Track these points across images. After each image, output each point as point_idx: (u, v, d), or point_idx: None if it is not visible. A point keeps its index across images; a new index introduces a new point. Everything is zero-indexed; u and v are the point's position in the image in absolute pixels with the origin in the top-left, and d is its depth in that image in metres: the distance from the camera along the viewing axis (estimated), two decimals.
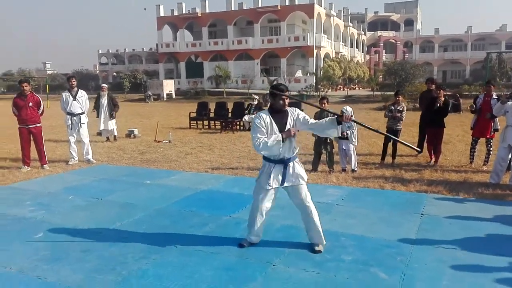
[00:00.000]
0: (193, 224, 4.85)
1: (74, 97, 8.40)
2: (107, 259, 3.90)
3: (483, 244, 4.24)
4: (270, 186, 3.95)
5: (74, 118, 8.40)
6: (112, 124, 11.74)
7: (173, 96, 39.64)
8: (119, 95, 43.22)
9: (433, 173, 7.53)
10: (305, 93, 34.63)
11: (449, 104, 8.24)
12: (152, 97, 37.11)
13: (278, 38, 44.64)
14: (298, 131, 4.03)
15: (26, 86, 7.73)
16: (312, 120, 3.99)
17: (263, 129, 3.84)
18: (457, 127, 13.89)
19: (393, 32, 65.87)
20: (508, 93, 7.05)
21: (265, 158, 4.02)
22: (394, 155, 8.37)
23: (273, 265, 3.78)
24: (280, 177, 3.96)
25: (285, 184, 3.98)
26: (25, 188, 6.59)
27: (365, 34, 65.53)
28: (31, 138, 7.97)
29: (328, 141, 7.50)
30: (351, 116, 3.94)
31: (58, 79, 63.73)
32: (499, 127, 7.88)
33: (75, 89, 8.50)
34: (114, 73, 68.68)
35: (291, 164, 3.98)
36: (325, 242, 4.10)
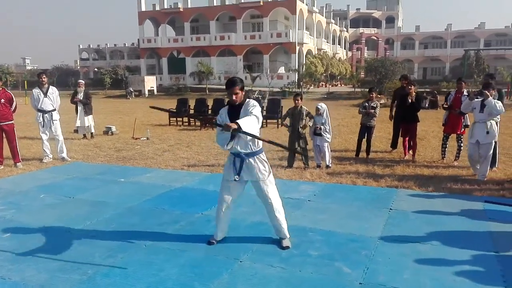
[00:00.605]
0: (163, 222, 4.86)
1: (45, 94, 8.27)
2: (74, 258, 3.88)
3: (446, 238, 4.35)
4: (230, 177, 4.06)
5: (46, 115, 8.27)
6: (89, 121, 11.59)
7: (155, 92, 39.35)
8: (99, 92, 42.88)
9: (405, 168, 7.68)
10: (287, 89, 34.73)
11: (421, 99, 8.40)
12: (133, 93, 36.76)
13: (260, 34, 44.67)
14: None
15: None
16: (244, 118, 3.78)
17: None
18: (433, 124, 14.13)
19: (375, 29, 66.54)
20: (476, 90, 7.21)
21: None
22: (368, 150, 8.50)
23: (240, 262, 3.82)
24: (237, 171, 4.01)
25: (244, 179, 4.04)
26: None
27: (347, 31, 66.02)
28: (4, 135, 7.83)
29: (302, 137, 7.56)
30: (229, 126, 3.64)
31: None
32: (469, 123, 8.06)
33: (46, 85, 8.37)
34: (96, 69, 67.75)
35: (249, 160, 3.98)
36: (288, 236, 4.19)
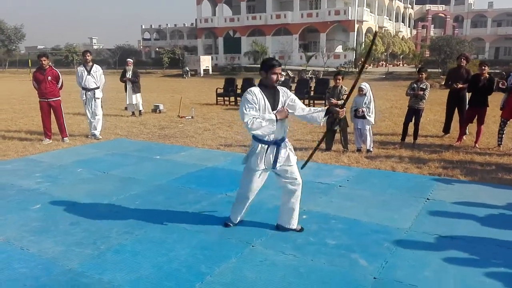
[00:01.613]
0: (186, 201, 4.83)
1: (89, 72, 8.52)
2: (91, 233, 3.96)
3: (483, 234, 3.94)
4: (261, 168, 3.78)
5: (89, 93, 8.54)
6: (137, 99, 11.89)
7: (210, 72, 39.78)
8: (158, 71, 44.16)
9: (454, 155, 7.11)
10: (343, 69, 33.65)
11: (494, 82, 7.64)
12: (189, 72, 37.41)
13: (318, 12, 43.42)
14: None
15: (44, 61, 7.92)
16: (299, 106, 3.81)
17: (255, 105, 3.59)
18: (496, 107, 12.92)
19: (443, 6, 62.17)
20: None
21: (256, 138, 3.79)
22: (415, 135, 7.95)
23: (252, 246, 3.70)
24: (271, 159, 3.75)
25: (277, 166, 3.78)
26: (40, 160, 6.83)
27: (412, 8, 62.26)
28: (52, 111, 8.21)
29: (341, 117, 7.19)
30: (341, 113, 3.73)
31: (103, 54, 65.59)
32: None
33: (90, 63, 8.60)
34: (157, 49, 69.74)
35: (283, 145, 3.80)
36: (297, 227, 4.02)
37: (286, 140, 3.88)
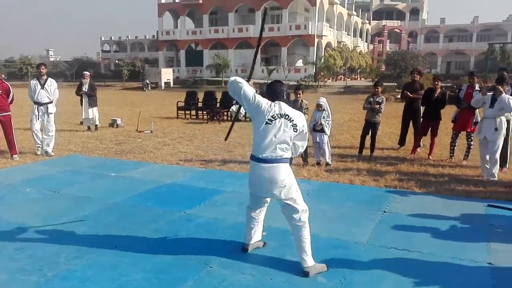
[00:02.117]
0: (142, 221, 4.66)
1: (42, 86, 8.16)
2: (38, 259, 3.72)
3: (438, 246, 4.02)
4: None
5: (41, 107, 8.16)
6: (93, 113, 11.52)
7: (171, 84, 39.37)
8: (117, 83, 43.24)
9: (409, 167, 7.30)
10: (303, 83, 34.18)
11: (446, 96, 7.97)
12: (149, 85, 36.88)
13: (279, 27, 44.04)
14: None
15: None
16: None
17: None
18: (448, 120, 13.52)
19: (398, 21, 64.82)
20: (489, 84, 6.78)
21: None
22: (372, 148, 8.12)
23: (210, 267, 3.59)
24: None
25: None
26: None
27: (369, 23, 64.52)
28: (0, 126, 7.78)
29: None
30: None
31: (60, 66, 63.59)
32: (479, 121, 7.60)
33: (44, 77, 8.25)
34: (117, 61, 68.39)
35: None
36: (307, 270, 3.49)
37: None
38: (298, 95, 7.34)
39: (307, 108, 7.26)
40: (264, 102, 3.39)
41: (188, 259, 3.74)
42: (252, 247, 3.89)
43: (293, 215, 3.50)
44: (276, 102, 3.41)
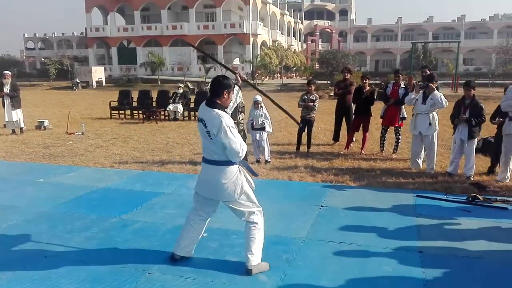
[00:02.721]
0: (73, 229, 4.41)
1: None
2: None
3: (372, 237, 4.21)
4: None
5: None
6: (17, 115, 10.73)
7: (104, 83, 37.73)
8: (44, 83, 40.66)
9: (343, 162, 7.59)
10: None
11: (375, 93, 8.37)
12: (80, 84, 35.09)
13: (214, 25, 43.86)
14: None
15: None
16: None
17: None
18: (378, 116, 14.27)
19: (329, 21, 67.27)
20: (420, 82, 7.20)
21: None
22: (309, 144, 8.34)
23: (149, 273, 3.48)
24: None
25: None
26: None
27: (302, 23, 66.30)
28: None
29: (240, 130, 7.26)
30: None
31: None
32: (406, 116, 8.08)
33: None
34: (42, 59, 64.22)
35: None
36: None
37: None
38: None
39: (243, 106, 7.29)
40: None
41: (125, 266, 3.59)
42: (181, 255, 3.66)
43: (241, 217, 3.50)
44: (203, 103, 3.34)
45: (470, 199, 5.23)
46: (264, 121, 7.32)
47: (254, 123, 7.37)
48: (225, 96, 3.26)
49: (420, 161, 7.07)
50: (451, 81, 29.55)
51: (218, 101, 3.25)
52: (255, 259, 3.44)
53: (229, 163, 3.29)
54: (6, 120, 10.76)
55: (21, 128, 10.95)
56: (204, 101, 3.33)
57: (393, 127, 8.15)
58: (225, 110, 3.30)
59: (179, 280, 3.36)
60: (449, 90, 26.00)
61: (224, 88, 3.25)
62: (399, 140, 8.16)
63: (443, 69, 44.77)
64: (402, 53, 60.15)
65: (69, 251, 3.89)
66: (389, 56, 63.39)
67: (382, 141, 8.31)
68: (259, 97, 7.46)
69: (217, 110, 3.20)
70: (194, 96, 15.10)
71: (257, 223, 3.47)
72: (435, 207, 5.09)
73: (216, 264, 3.64)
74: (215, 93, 3.26)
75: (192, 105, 14.23)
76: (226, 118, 3.18)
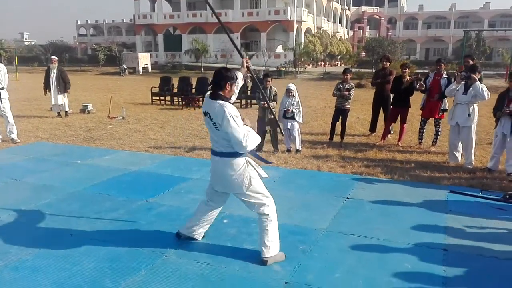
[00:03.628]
0: (101, 209, 4.58)
1: None
2: None
3: (396, 232, 4.07)
4: None
5: None
6: (62, 99, 11.23)
7: (149, 69, 38.73)
8: (94, 68, 42.30)
9: (377, 153, 7.37)
10: (283, 69, 34.11)
11: (414, 83, 8.04)
12: (127, 70, 36.20)
13: (258, 11, 43.67)
14: None
15: None
16: None
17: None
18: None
19: (378, 7, 65.01)
20: (463, 73, 6.82)
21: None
22: (342, 134, 8.15)
23: (166, 256, 3.55)
24: None
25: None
26: None
27: (349, 9, 64.48)
28: None
29: (272, 118, 7.21)
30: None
31: (35, 51, 61.84)
32: (447, 108, 7.70)
33: None
34: (94, 45, 66.86)
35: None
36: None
37: None
38: (267, 82, 7.27)
39: (276, 94, 7.23)
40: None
41: (144, 248, 3.69)
42: (185, 236, 3.80)
43: (252, 209, 3.49)
44: (206, 96, 3.36)
45: (508, 197, 4.93)
46: (295, 110, 7.21)
47: (286, 112, 7.28)
48: (227, 88, 3.26)
49: (458, 155, 6.74)
50: (505, 72, 27.83)
51: (221, 93, 3.25)
52: (270, 250, 3.41)
53: (236, 154, 3.27)
54: (53, 103, 11.30)
55: (66, 112, 11.46)
56: (208, 94, 3.35)
57: (433, 118, 7.79)
58: (229, 101, 3.29)
59: (193, 265, 3.40)
60: (502, 81, 24.50)
61: (226, 80, 3.24)
62: (439, 133, 7.80)
63: (498, 59, 42.25)
64: (455, 41, 57.26)
65: (94, 230, 4.05)
66: (441, 44, 60.53)
67: (421, 133, 7.99)
68: (291, 86, 7.36)
69: (220, 101, 3.19)
70: None
71: (268, 214, 3.44)
72: (468, 204, 4.84)
73: (232, 251, 3.65)
74: (218, 85, 3.26)
75: None
76: (229, 108, 3.16)
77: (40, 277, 3.19)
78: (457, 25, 59.92)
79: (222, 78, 3.24)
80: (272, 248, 3.42)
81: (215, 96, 3.26)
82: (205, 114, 3.29)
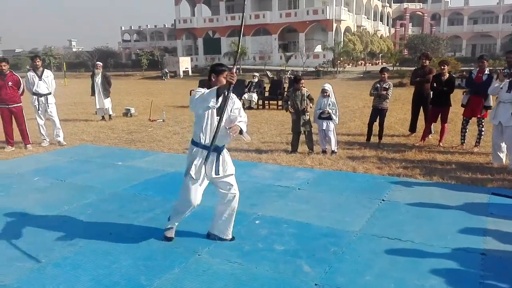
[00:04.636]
0: (139, 209, 4.75)
1: (40, 77, 8.31)
2: (35, 245, 3.85)
3: (432, 235, 3.95)
4: (201, 177, 3.65)
5: (41, 98, 8.31)
6: (107, 103, 11.71)
7: (190, 73, 39.54)
8: (137, 73, 43.69)
9: (417, 154, 7.17)
10: (321, 69, 33.79)
11: (454, 81, 7.78)
12: (168, 74, 37.12)
13: (296, 12, 43.53)
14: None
15: (4, 66, 7.70)
16: (240, 114, 3.71)
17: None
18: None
19: (420, 4, 62.93)
20: (505, 70, 6.53)
21: (195, 144, 3.77)
22: (380, 135, 8.00)
23: (198, 255, 3.64)
24: (213, 167, 3.64)
25: (220, 174, 3.69)
26: None
27: (390, 6, 62.90)
28: (13, 118, 8.00)
29: (305, 120, 7.19)
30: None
31: (82, 57, 64.67)
32: (491, 105, 7.35)
33: (41, 69, 8.40)
34: (137, 50, 69.07)
35: (224, 152, 3.77)
36: (230, 237, 3.92)
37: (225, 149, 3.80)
38: (301, 85, 7.24)
39: (309, 95, 7.20)
40: None
41: (178, 247, 3.80)
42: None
43: (230, 190, 3.81)
44: None
45: None
46: (331, 111, 7.15)
47: (322, 113, 7.23)
48: (212, 78, 3.59)
49: (502, 156, 6.45)
50: None
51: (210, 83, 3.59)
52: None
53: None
54: (97, 107, 11.80)
55: (109, 115, 11.94)
56: None
57: (476, 118, 7.48)
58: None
59: (226, 264, 3.47)
60: None
61: (211, 72, 3.65)
62: (482, 132, 7.48)
63: None
64: (504, 36, 54.55)
65: (132, 229, 4.21)
66: (489, 40, 57.81)
67: (463, 133, 7.69)
68: (327, 86, 7.31)
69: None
70: (269, 85, 15.21)
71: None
72: (510, 207, 4.62)
73: (263, 251, 3.69)
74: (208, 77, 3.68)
75: (266, 93, 14.37)
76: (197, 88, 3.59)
77: (80, 273, 3.36)
78: (506, 19, 57.01)
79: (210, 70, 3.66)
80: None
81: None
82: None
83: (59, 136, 8.51)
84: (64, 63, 37.26)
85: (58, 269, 3.43)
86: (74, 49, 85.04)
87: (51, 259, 3.59)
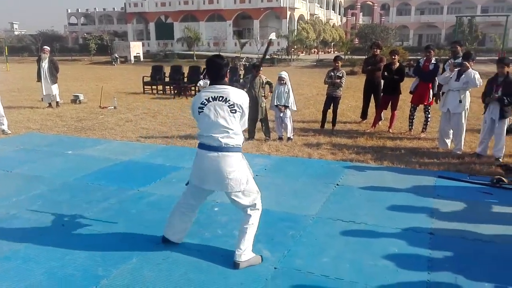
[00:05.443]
0: (92, 199, 4.60)
1: None
2: None
3: (384, 217, 4.14)
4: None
5: None
6: (55, 89, 11.15)
7: (141, 58, 38.42)
8: (85, 58, 41.90)
9: (368, 140, 7.43)
10: (276, 56, 33.98)
11: (404, 70, 8.09)
12: (118, 59, 35.90)
13: None
14: None
15: None
16: None
17: None
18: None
19: None
20: (455, 61, 6.86)
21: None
22: (334, 121, 8.22)
23: (157, 244, 3.59)
24: None
25: None
26: None
27: None
28: None
29: (261, 107, 7.23)
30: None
31: (25, 40, 60.99)
32: (435, 92, 7.73)
33: None
34: (85, 34, 66.02)
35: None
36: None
37: None
38: (258, 72, 7.25)
39: (268, 81, 7.26)
40: None
41: (135, 236, 3.74)
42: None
43: (242, 208, 3.37)
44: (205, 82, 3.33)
45: (494, 181, 5.02)
46: (287, 98, 7.24)
47: (277, 100, 7.30)
48: (228, 76, 3.31)
49: (448, 141, 6.82)
50: (497, 57, 27.90)
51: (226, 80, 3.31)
52: (244, 254, 3.22)
53: (237, 149, 3.18)
54: (44, 94, 11.22)
55: (57, 102, 11.40)
56: (208, 81, 3.35)
57: (423, 105, 7.84)
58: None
59: (184, 252, 3.44)
60: (494, 67, 24.60)
61: (226, 67, 3.27)
62: (429, 119, 7.87)
63: (491, 44, 42.34)
64: (448, 27, 57.13)
65: (85, 220, 4.07)
66: (434, 30, 60.44)
67: (411, 119, 8.05)
68: (284, 73, 7.38)
69: (233, 87, 3.28)
70: None
71: (258, 209, 3.40)
72: (455, 189, 4.93)
73: (223, 238, 3.71)
74: (221, 73, 3.24)
75: None
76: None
77: (32, 266, 3.22)
78: (450, 10, 59.74)
79: (224, 65, 3.18)
80: (247, 251, 3.25)
81: (222, 83, 3.18)
82: (214, 99, 3.09)
83: (3, 124, 8.02)
84: (6, 47, 34.93)
85: (8, 263, 3.27)
86: (16, 33, 79.96)
87: (0, 253, 3.41)
